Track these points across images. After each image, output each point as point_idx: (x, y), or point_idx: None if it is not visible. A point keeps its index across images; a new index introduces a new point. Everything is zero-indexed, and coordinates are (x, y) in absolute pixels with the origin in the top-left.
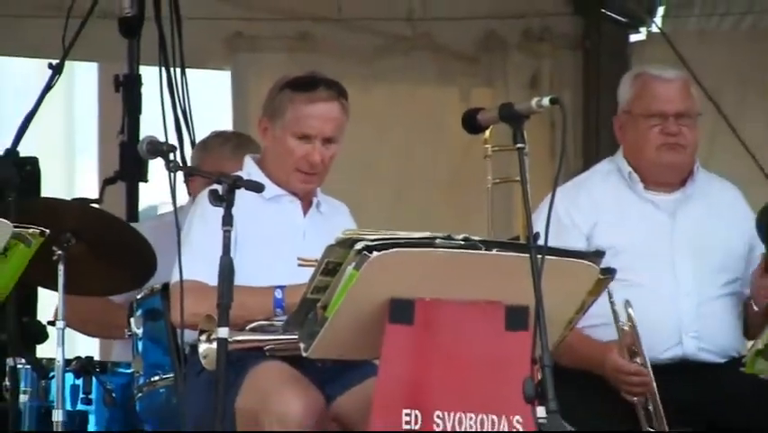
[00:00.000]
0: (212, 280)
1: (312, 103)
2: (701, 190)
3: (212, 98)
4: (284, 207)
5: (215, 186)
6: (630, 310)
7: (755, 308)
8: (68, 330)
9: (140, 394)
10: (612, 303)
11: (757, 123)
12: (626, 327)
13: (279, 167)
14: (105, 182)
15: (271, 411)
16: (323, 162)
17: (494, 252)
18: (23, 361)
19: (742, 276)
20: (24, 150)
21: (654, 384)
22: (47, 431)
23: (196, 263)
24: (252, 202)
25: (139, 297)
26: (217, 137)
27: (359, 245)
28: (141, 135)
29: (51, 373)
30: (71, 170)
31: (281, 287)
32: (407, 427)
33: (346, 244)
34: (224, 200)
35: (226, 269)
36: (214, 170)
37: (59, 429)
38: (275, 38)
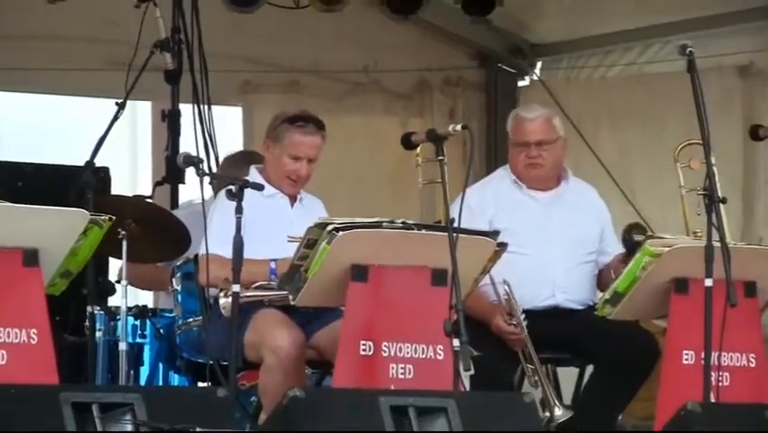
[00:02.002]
0: (227, 253)
1: (303, 135)
2: (570, 191)
3: (229, 126)
4: (277, 201)
5: (230, 186)
6: (506, 287)
7: (612, 276)
8: (129, 287)
9: (179, 331)
10: (493, 283)
11: (610, 145)
12: (504, 298)
13: (276, 175)
14: (156, 184)
15: (267, 344)
16: (306, 175)
17: (423, 231)
18: (99, 308)
19: (596, 250)
20: (99, 161)
21: (528, 336)
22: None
23: (216, 241)
24: (256, 198)
25: (178, 264)
26: (233, 155)
27: (330, 227)
28: (180, 152)
29: (118, 317)
30: (133, 176)
31: (275, 260)
32: (364, 353)
33: (321, 226)
34: (237, 196)
35: (238, 245)
36: (230, 175)
37: (124, 357)
38: (273, 84)
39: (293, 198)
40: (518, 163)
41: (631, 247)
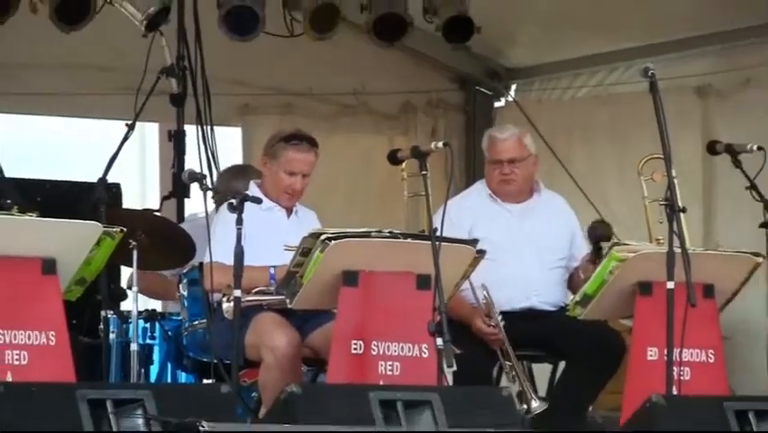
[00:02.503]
0: (229, 261)
1: (298, 152)
2: (542, 202)
3: (229, 145)
4: (275, 214)
5: (232, 200)
6: (485, 291)
7: (582, 277)
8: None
9: (185, 333)
10: (472, 288)
11: (580, 160)
12: (483, 301)
13: (273, 190)
14: (164, 198)
15: (266, 344)
16: (301, 189)
17: (408, 240)
18: (111, 312)
19: (566, 256)
20: (111, 178)
21: (505, 336)
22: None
23: (219, 250)
24: (255, 210)
25: (184, 271)
26: (228, 168)
27: (323, 237)
28: (185, 169)
29: (129, 320)
30: (142, 191)
31: (274, 267)
32: (355, 352)
33: (315, 236)
34: (237, 209)
35: (239, 254)
36: (226, 186)
37: (135, 357)
38: (270, 106)
39: (289, 211)
40: (493, 179)
41: (597, 239)
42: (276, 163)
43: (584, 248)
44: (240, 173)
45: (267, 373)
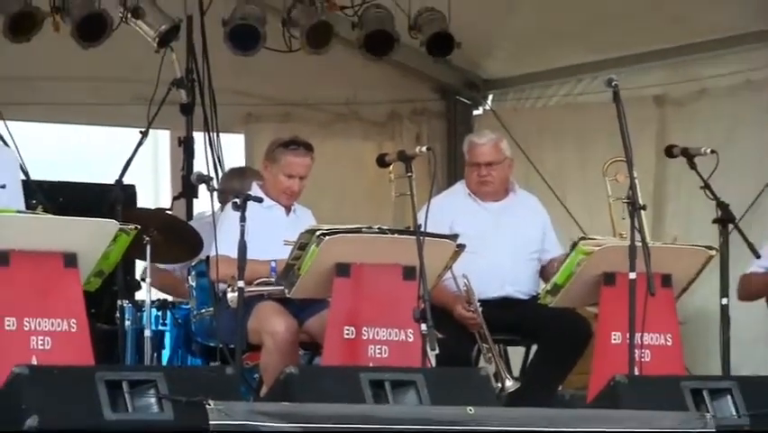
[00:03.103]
0: (233, 254)
1: (295, 156)
2: (516, 201)
3: (233, 150)
4: (275, 212)
5: (236, 199)
6: (465, 280)
7: (553, 269)
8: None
9: (194, 320)
10: (453, 275)
11: (551, 162)
12: (464, 289)
13: (274, 190)
14: (174, 198)
15: (266, 330)
16: (299, 189)
17: (395, 235)
18: (127, 301)
19: (538, 249)
20: (126, 180)
21: (483, 321)
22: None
23: (224, 245)
24: (257, 209)
25: (193, 264)
26: (230, 170)
27: (318, 232)
28: (193, 172)
29: (143, 309)
30: (155, 192)
31: (275, 261)
32: (347, 336)
33: (311, 231)
34: (241, 208)
35: (242, 248)
36: (230, 189)
37: (148, 342)
38: (270, 115)
39: (287, 209)
40: (472, 180)
41: None
42: (276, 167)
43: (554, 243)
44: (239, 174)
45: (267, 356)
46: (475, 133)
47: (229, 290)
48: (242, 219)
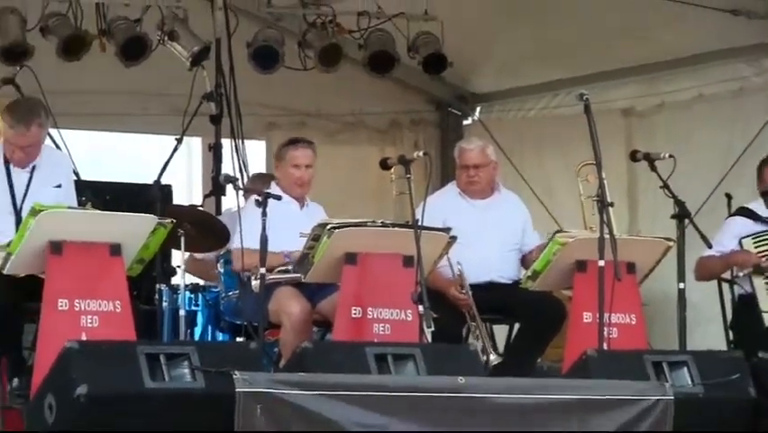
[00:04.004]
0: (256, 246)
1: (297, 149)
2: (501, 199)
3: (256, 154)
4: (291, 206)
5: (257, 197)
6: (459, 266)
7: (532, 257)
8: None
9: (222, 301)
10: (449, 263)
11: (531, 166)
12: (457, 274)
13: (287, 184)
14: (205, 196)
15: (284, 310)
16: (308, 179)
17: (396, 228)
18: (164, 285)
19: (519, 241)
20: (164, 180)
21: (473, 302)
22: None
23: (248, 237)
24: (274, 204)
25: (221, 253)
26: (254, 175)
27: (329, 226)
28: (221, 173)
29: (178, 291)
30: (189, 191)
31: (289, 252)
32: (355, 316)
33: (323, 225)
34: (262, 204)
35: (264, 240)
36: (257, 189)
37: (182, 320)
38: (288, 124)
39: (301, 203)
40: (462, 181)
41: None
42: (284, 163)
43: (533, 236)
44: (261, 178)
45: (284, 333)
46: (464, 140)
47: (252, 277)
48: (264, 214)
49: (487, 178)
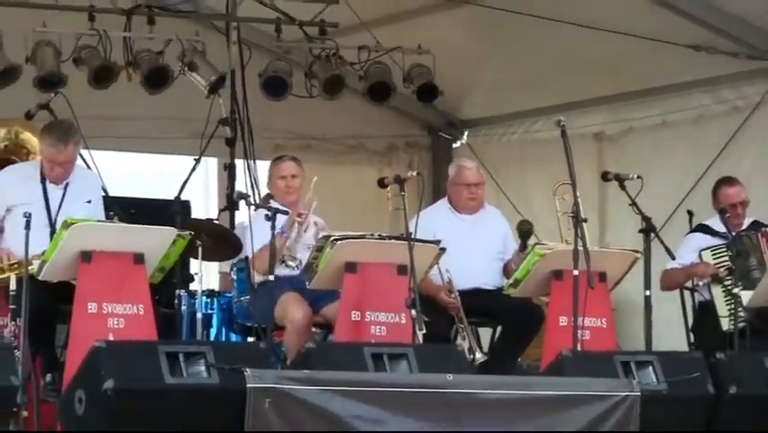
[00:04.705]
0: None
1: (282, 162)
2: (486, 214)
3: (266, 174)
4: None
5: (267, 212)
6: (448, 274)
7: (513, 267)
8: (201, 277)
9: (235, 305)
10: (440, 271)
11: (513, 185)
12: (446, 281)
13: (278, 194)
14: (220, 211)
15: (287, 316)
16: (297, 187)
17: (391, 240)
18: (183, 291)
19: (502, 251)
20: (183, 197)
21: (461, 306)
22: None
23: (258, 245)
24: (280, 219)
25: (234, 261)
26: (270, 194)
27: (331, 238)
28: (235, 190)
29: (196, 296)
30: (206, 206)
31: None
32: (354, 319)
33: (326, 237)
34: (271, 219)
35: (273, 249)
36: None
37: (199, 323)
38: (295, 146)
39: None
40: (462, 197)
41: (524, 234)
42: (273, 177)
43: (513, 248)
44: (272, 196)
45: (288, 336)
46: (462, 160)
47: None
48: (273, 228)
49: (482, 194)
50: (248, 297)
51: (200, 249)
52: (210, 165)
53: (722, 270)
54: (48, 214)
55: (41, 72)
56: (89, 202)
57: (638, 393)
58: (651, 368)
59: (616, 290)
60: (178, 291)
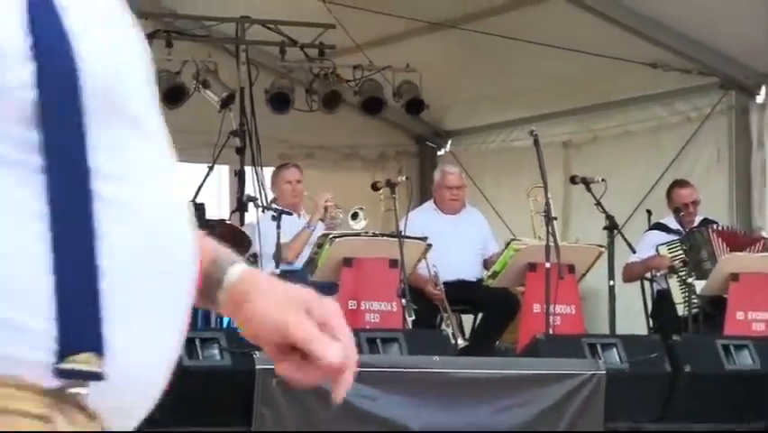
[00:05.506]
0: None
1: (285, 170)
2: (467, 214)
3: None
4: (297, 220)
5: (274, 213)
6: (435, 268)
7: (493, 260)
8: None
9: None
10: (427, 265)
11: (492, 189)
12: (432, 274)
13: (281, 197)
14: (232, 212)
15: None
16: (299, 191)
17: (384, 238)
18: None
19: (482, 247)
20: (198, 200)
21: (445, 297)
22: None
23: (267, 242)
24: (286, 218)
25: (244, 257)
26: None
27: (330, 236)
28: (245, 194)
29: None
30: (219, 208)
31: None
32: (351, 307)
33: (325, 235)
34: (277, 219)
35: (279, 245)
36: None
37: (213, 313)
38: (297, 155)
39: (299, 215)
40: (445, 198)
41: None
42: (278, 182)
43: (493, 244)
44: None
45: None
46: (446, 166)
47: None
48: (278, 227)
49: (464, 196)
50: None
51: None
52: (222, 172)
53: (677, 262)
54: None
55: None
56: None
57: (604, 372)
58: (615, 349)
59: (583, 280)
60: None
